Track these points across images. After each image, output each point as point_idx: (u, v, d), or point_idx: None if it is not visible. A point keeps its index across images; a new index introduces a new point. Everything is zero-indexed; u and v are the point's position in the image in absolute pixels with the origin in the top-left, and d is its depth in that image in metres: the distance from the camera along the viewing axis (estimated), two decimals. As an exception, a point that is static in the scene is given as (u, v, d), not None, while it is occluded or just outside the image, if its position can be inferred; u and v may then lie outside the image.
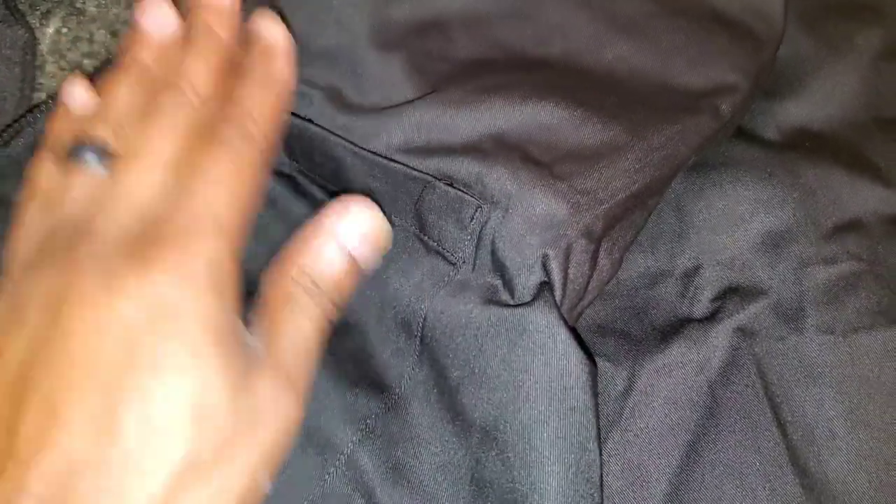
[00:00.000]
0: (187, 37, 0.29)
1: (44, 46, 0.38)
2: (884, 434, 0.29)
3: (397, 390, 0.30)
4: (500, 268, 0.29)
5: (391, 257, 0.31)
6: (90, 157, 0.26)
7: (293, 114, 0.33)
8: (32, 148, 0.33)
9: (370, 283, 0.31)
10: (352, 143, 0.32)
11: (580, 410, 0.27)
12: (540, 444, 0.27)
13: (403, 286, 0.30)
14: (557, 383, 0.27)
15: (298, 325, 0.25)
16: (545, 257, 0.28)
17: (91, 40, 0.39)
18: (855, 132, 0.35)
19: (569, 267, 0.29)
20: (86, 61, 0.38)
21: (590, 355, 0.27)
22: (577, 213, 0.29)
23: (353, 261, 0.27)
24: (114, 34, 0.39)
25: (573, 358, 0.27)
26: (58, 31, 0.38)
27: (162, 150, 0.25)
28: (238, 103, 0.27)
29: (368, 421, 0.29)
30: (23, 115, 0.34)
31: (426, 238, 0.31)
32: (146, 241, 0.23)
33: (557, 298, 0.28)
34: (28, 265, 0.24)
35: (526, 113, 0.31)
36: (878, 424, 0.29)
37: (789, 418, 0.29)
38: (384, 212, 0.28)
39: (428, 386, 0.29)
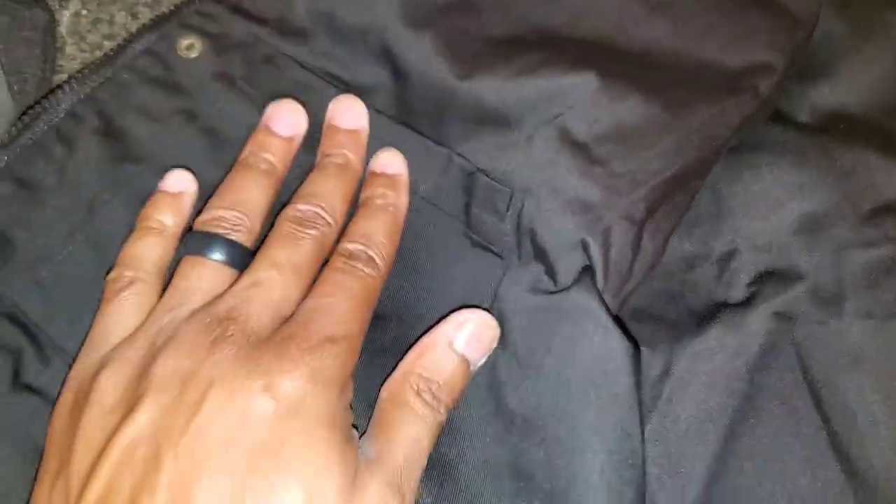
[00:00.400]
0: (323, 156, 0.31)
1: (63, 28, 0.37)
2: (926, 420, 0.29)
3: None
4: (541, 254, 0.29)
5: (438, 252, 0.30)
6: (223, 252, 0.28)
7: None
8: (55, 130, 0.33)
9: (413, 276, 0.30)
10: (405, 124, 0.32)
11: (623, 396, 0.26)
12: (583, 431, 0.27)
13: (453, 283, 0.30)
14: (599, 368, 0.27)
15: (413, 434, 0.26)
16: (584, 241, 0.28)
17: (111, 22, 0.38)
18: (888, 115, 0.35)
19: (610, 250, 0.28)
20: (106, 43, 0.38)
21: (632, 339, 0.27)
22: (614, 196, 0.28)
23: (466, 363, 0.28)
24: (134, 16, 0.38)
25: (615, 342, 0.27)
26: (77, 13, 0.38)
27: (296, 259, 0.28)
28: (365, 232, 0.29)
29: None
30: (44, 97, 0.33)
31: (472, 233, 0.30)
32: (283, 339, 0.25)
33: (599, 282, 0.28)
34: (157, 346, 0.26)
35: (567, 87, 0.30)
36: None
37: (830, 404, 0.29)
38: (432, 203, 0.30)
39: (473, 380, 0.29)
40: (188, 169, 0.32)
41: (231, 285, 0.27)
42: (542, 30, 0.34)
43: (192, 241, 0.29)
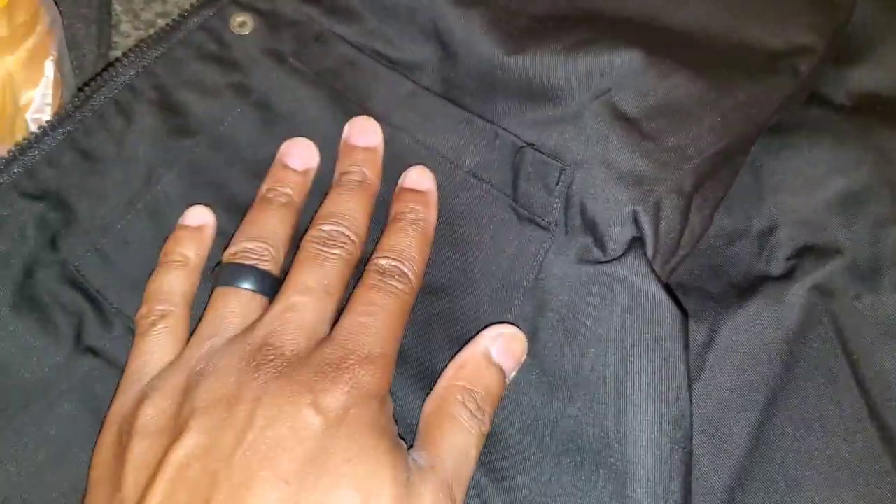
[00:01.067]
0: (341, 175, 0.32)
1: (119, 6, 0.39)
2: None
3: None
4: (590, 226, 0.30)
5: (485, 225, 0.31)
6: (253, 281, 0.29)
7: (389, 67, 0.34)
8: (114, 102, 0.34)
9: (460, 249, 0.31)
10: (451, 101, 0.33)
11: (672, 360, 0.27)
12: (633, 394, 0.27)
13: (499, 255, 0.31)
14: (650, 334, 0.27)
15: (461, 444, 0.27)
16: (635, 213, 0.29)
17: (164, 0, 0.39)
18: (924, 97, 0.35)
19: (660, 222, 0.29)
20: (159, 21, 0.39)
21: (681, 306, 0.28)
22: (664, 170, 0.29)
23: (503, 373, 0.29)
24: (185, -6, 0.39)
25: (665, 309, 0.27)
26: (130, -9, 0.39)
27: (325, 280, 0.29)
28: (397, 247, 0.30)
29: None
30: (103, 70, 0.34)
31: (518, 207, 0.31)
32: (321, 362, 0.26)
33: (650, 253, 0.29)
34: (198, 373, 0.27)
35: (616, 63, 0.31)
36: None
37: (868, 374, 0.30)
38: (478, 177, 0.31)
39: None
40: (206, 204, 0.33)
41: (264, 312, 0.28)
42: (587, 10, 0.35)
43: (223, 272, 0.30)
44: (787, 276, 0.31)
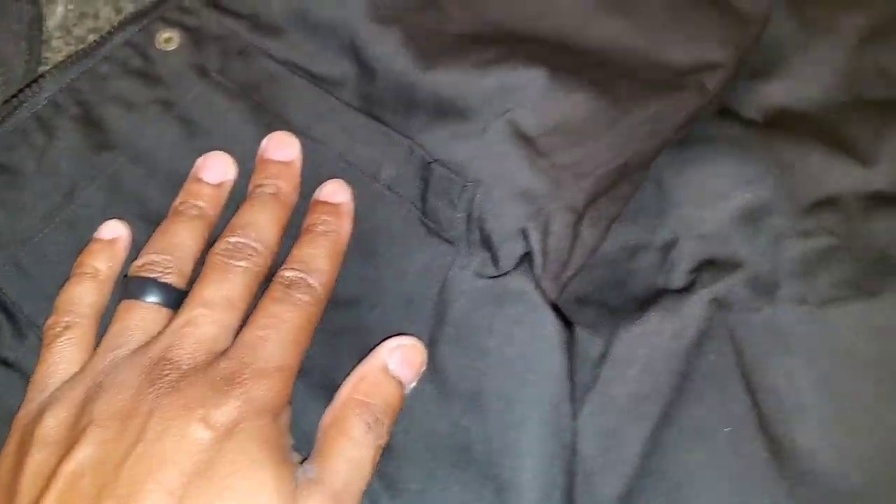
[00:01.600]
0: (254, 187, 0.33)
1: (50, 22, 0.39)
2: (853, 404, 0.30)
3: None
4: (487, 241, 0.30)
5: (395, 238, 0.32)
6: (157, 294, 0.30)
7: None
8: (36, 118, 0.34)
9: (371, 261, 0.32)
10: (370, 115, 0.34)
11: (555, 374, 0.28)
12: (519, 406, 0.28)
13: (408, 268, 0.32)
14: (535, 347, 0.28)
15: (356, 456, 0.27)
16: (525, 229, 0.30)
17: (96, 16, 0.40)
18: (835, 112, 0.36)
19: (549, 238, 0.30)
20: (91, 37, 0.39)
21: (567, 321, 0.28)
22: (557, 187, 0.30)
23: (401, 386, 0.29)
24: (118, 11, 0.40)
25: (549, 324, 0.28)
26: (64, 7, 0.40)
27: (227, 293, 0.29)
28: (305, 258, 0.30)
29: None
30: (27, 86, 0.35)
31: (428, 221, 0.32)
32: (217, 376, 0.26)
33: (538, 268, 0.30)
34: (98, 386, 0.27)
35: (520, 81, 0.32)
36: (847, 394, 0.30)
37: (760, 387, 0.30)
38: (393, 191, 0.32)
39: None
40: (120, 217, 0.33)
41: (166, 326, 0.29)
42: (504, 28, 0.35)
43: (129, 285, 0.30)
44: (687, 289, 0.32)
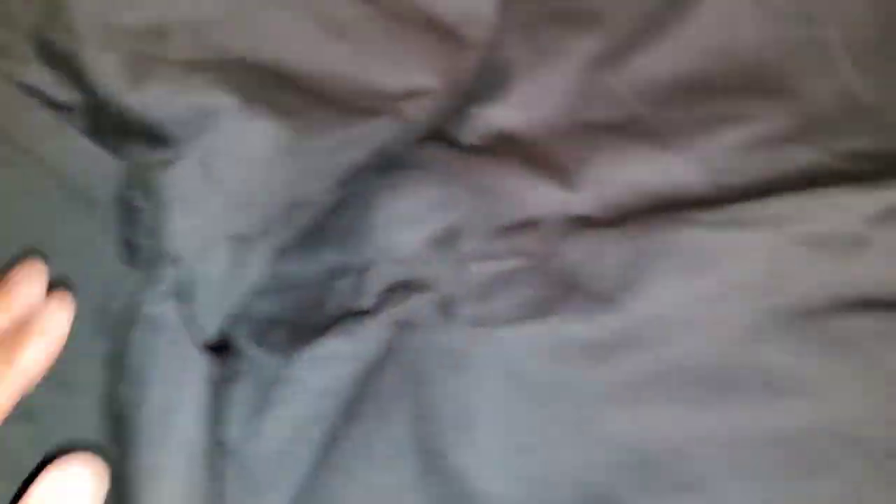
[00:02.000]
0: None
1: None
2: (522, 425, 0.31)
3: None
4: (152, 266, 0.31)
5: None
6: None
7: None
8: None
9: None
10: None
11: (198, 402, 0.29)
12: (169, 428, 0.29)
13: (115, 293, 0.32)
14: (175, 372, 0.29)
15: None
16: (176, 258, 0.30)
17: None
18: (553, 136, 0.36)
19: (210, 266, 0.30)
20: None
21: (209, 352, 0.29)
22: (227, 217, 0.31)
23: None
24: None
25: (186, 350, 0.29)
26: None
27: None
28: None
29: None
30: None
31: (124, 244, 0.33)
32: None
33: (199, 296, 0.30)
34: None
35: (211, 107, 0.33)
36: (516, 415, 0.31)
37: (427, 405, 0.31)
38: None
39: None
40: None
41: None
42: (226, 54, 0.36)
43: None
44: (373, 311, 0.33)
